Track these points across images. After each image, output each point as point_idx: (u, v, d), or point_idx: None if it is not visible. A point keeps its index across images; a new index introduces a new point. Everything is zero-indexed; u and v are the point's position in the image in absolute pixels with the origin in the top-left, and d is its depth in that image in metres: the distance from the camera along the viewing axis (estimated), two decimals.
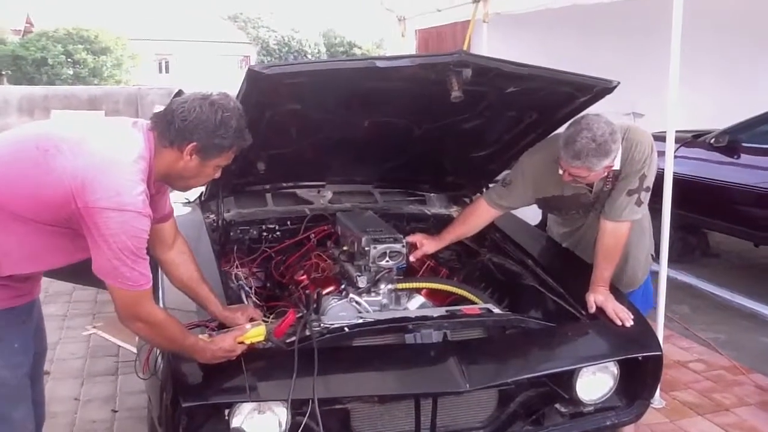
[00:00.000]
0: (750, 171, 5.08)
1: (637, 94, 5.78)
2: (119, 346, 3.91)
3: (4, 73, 24.22)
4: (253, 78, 2.14)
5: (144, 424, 2.84)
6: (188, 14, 35.18)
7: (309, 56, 37.76)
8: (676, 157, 5.54)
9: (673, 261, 5.69)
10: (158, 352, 2.20)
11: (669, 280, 5.36)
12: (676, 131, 5.77)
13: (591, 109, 2.71)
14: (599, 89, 2.58)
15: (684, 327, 4.52)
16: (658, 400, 3.47)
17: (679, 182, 5.42)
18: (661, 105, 6.44)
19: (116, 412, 3.26)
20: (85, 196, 1.70)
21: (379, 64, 2.20)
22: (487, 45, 5.09)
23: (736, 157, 5.17)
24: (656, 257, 3.37)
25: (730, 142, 5.21)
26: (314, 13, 35.15)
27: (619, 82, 2.55)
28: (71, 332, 4.13)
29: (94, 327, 4.19)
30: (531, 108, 2.77)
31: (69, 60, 24.24)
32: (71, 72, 24.21)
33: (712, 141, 5.31)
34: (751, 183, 5.02)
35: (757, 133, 5.14)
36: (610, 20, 5.79)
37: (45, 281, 2.16)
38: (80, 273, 2.12)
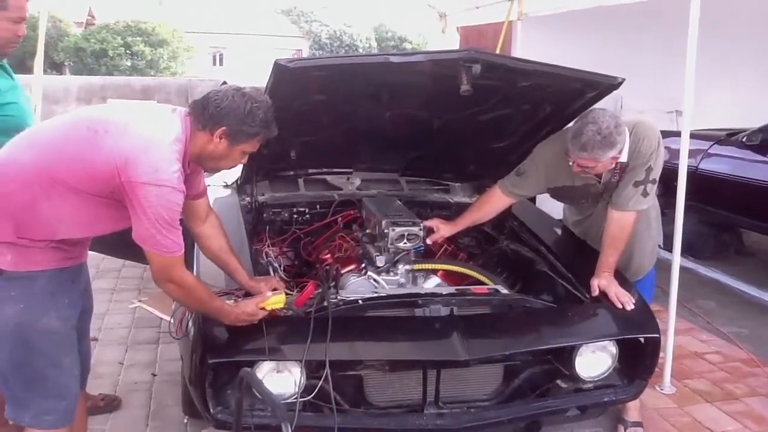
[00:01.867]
0: None
1: (679, 93, 5.85)
2: (161, 318, 4.21)
3: (66, 64, 25.15)
4: (279, 71, 2.37)
5: (179, 387, 3.12)
6: (242, 8, 35.78)
7: (360, 51, 38.03)
8: (709, 155, 5.65)
9: (705, 258, 5.79)
10: (189, 316, 2.47)
11: (698, 276, 5.50)
12: (711, 129, 5.86)
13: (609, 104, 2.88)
14: (606, 85, 2.73)
15: (707, 321, 4.58)
16: (668, 386, 3.59)
17: (713, 180, 5.53)
18: (701, 103, 6.48)
19: (155, 375, 3.56)
20: (128, 172, 1.95)
21: (393, 59, 2.41)
22: (520, 44, 5.22)
23: None
24: (663, 247, 3.49)
25: (763, 141, 5.22)
26: (366, 7, 35.30)
27: (623, 79, 2.70)
28: (118, 305, 4.45)
29: (140, 301, 4.51)
30: (543, 102, 2.94)
31: (128, 52, 24.99)
32: (129, 63, 24.97)
33: (745, 139, 5.32)
34: None
35: None
36: (649, 19, 5.85)
37: (97, 258, 2.42)
38: (127, 248, 2.39)
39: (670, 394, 3.56)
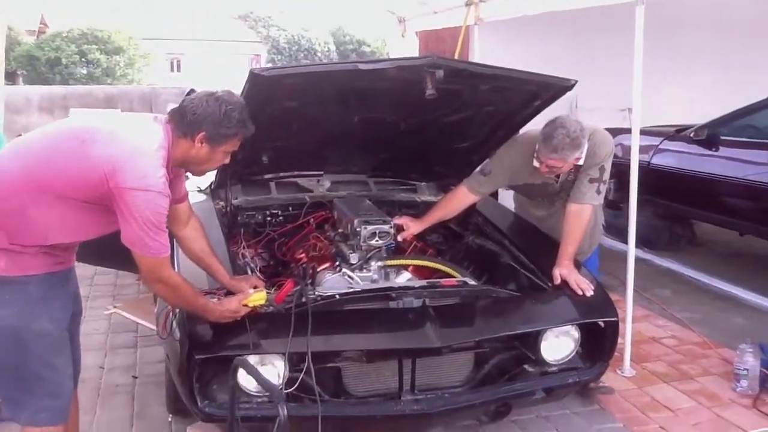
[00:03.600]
0: (727, 163, 5.34)
1: (630, 91, 6.08)
2: (138, 323, 4.28)
3: (19, 73, 24.72)
4: (254, 79, 2.50)
5: (161, 388, 3.21)
6: (199, 14, 35.54)
7: (319, 55, 38.05)
8: (660, 150, 5.90)
9: (660, 249, 6.05)
10: (173, 316, 2.57)
11: (654, 266, 5.75)
12: (661, 126, 6.12)
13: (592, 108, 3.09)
14: (559, 87, 2.94)
15: (663, 308, 4.81)
16: (628, 369, 3.79)
17: (664, 174, 5.78)
18: (655, 101, 6.73)
19: (136, 378, 3.63)
20: (116, 178, 2.05)
21: (362, 66, 2.56)
22: (478, 48, 5.40)
23: (714, 149, 5.41)
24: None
25: (709, 136, 5.47)
26: (324, 12, 35.33)
27: (576, 81, 2.91)
28: (93, 311, 4.48)
29: (114, 307, 4.56)
30: (502, 104, 3.13)
31: (83, 60, 24.69)
32: (85, 71, 24.67)
33: (692, 135, 5.57)
34: (729, 174, 5.28)
35: (734, 127, 5.38)
36: (600, 22, 6.09)
37: None
38: (106, 256, 2.50)
39: (630, 376, 3.76)
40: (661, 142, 5.92)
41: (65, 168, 2.10)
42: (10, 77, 23.85)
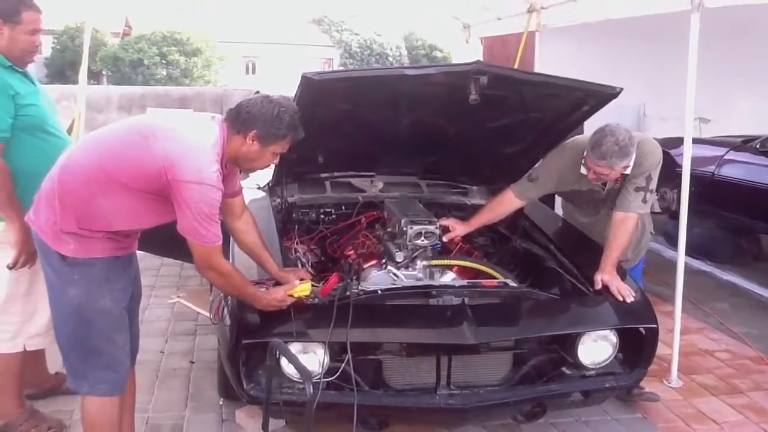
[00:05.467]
0: None
1: (705, 100, 5.97)
2: (198, 312, 4.52)
3: (104, 73, 25.90)
4: (306, 83, 2.65)
5: (215, 373, 3.40)
6: (275, 17, 36.36)
7: (390, 59, 38.37)
8: (726, 161, 5.78)
9: (722, 262, 5.92)
10: (225, 304, 2.74)
11: (715, 279, 5.64)
12: (728, 136, 6.00)
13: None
14: (605, 94, 2.97)
15: (719, 321, 4.73)
16: (675, 380, 3.76)
17: (729, 186, 5.66)
18: (728, 111, 6.58)
19: (193, 363, 3.85)
20: (174, 172, 2.23)
21: (408, 72, 2.68)
22: (540, 54, 5.43)
23: None
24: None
25: None
26: (396, 16, 35.58)
27: (621, 89, 2.93)
28: (158, 300, 4.76)
29: (178, 296, 4.82)
30: (549, 110, 3.18)
31: (163, 61, 25.66)
32: (164, 72, 25.63)
33: (758, 146, 5.45)
34: None
35: None
36: (669, 29, 6.01)
37: (138, 257, 2.71)
38: (171, 247, 2.69)
39: (677, 387, 3.73)
40: (726, 153, 5.80)
41: (130, 161, 2.30)
42: (95, 77, 25.07)
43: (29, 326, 2.95)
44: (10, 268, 2.78)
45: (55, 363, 3.34)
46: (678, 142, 3.67)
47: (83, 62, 6.33)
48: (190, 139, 2.31)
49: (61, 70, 24.05)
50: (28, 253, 2.64)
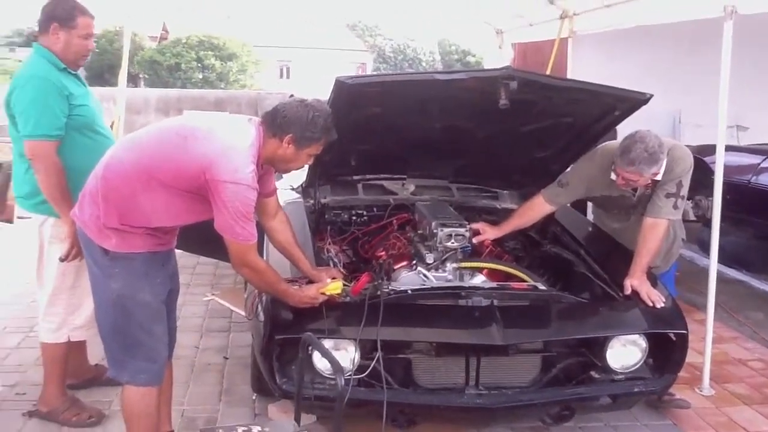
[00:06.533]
0: None
1: (743, 108, 5.90)
2: (232, 310, 4.62)
3: (141, 76, 26.42)
4: (339, 87, 2.72)
5: (248, 369, 3.48)
6: (309, 22, 36.72)
7: (423, 64, 38.50)
8: (762, 169, 5.71)
9: (758, 271, 5.85)
10: (259, 300, 2.82)
11: (750, 288, 5.58)
12: (764, 144, 5.92)
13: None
14: (635, 100, 2.99)
15: (753, 331, 4.68)
16: (707, 388, 3.73)
17: (765, 194, 5.58)
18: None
19: (227, 359, 3.94)
20: (212, 171, 2.30)
21: (438, 77, 2.73)
22: (572, 61, 5.44)
23: None
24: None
25: None
26: (430, 22, 35.71)
27: (651, 95, 2.94)
28: (193, 297, 4.87)
29: (212, 294, 4.93)
30: (579, 115, 3.21)
31: (199, 65, 26.08)
32: (201, 76, 26.05)
33: None
34: None
35: None
36: (705, 35, 5.97)
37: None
38: (206, 246, 2.78)
39: (709, 395, 3.70)
40: (763, 161, 5.72)
41: (169, 160, 2.38)
42: (133, 80, 25.58)
43: (73, 318, 3.08)
44: (62, 260, 2.91)
45: (95, 354, 3.46)
46: (712, 149, 3.65)
47: (123, 66, 6.51)
48: (228, 140, 2.38)
49: (100, 73, 24.59)
50: (79, 246, 2.73)
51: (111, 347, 2.53)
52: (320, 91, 3.68)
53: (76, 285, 3.02)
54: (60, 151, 2.84)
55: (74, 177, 2.80)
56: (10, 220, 5.29)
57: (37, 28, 2.99)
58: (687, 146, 3.40)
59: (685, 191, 3.21)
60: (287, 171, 2.72)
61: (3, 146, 7.29)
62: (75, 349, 3.26)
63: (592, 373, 2.88)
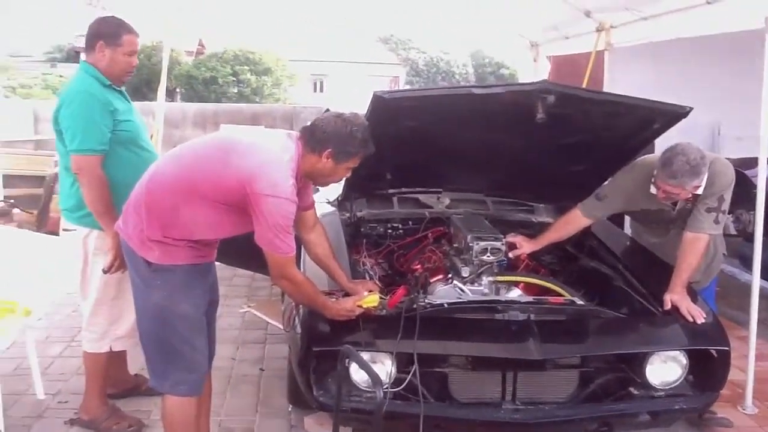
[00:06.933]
0: None
1: None
2: (268, 322, 4.67)
3: (178, 91, 26.83)
4: (376, 101, 2.75)
5: (284, 381, 3.50)
6: (342, 36, 36.96)
7: (457, 77, 38.47)
8: None
9: None
10: (296, 313, 2.84)
11: None
12: None
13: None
14: (675, 113, 2.96)
15: None
16: (750, 406, 3.65)
17: None
18: None
19: (263, 370, 3.98)
20: (253, 185, 2.34)
21: (475, 91, 2.74)
22: (609, 74, 5.39)
23: None
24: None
25: None
26: (464, 34, 35.71)
27: (691, 108, 2.91)
28: (230, 309, 4.92)
29: (249, 306, 5.00)
30: (617, 129, 3.18)
31: (234, 80, 26.41)
32: (236, 90, 26.36)
33: None
34: None
35: None
36: (745, 47, 5.87)
37: None
38: (244, 258, 2.81)
39: (752, 414, 3.62)
40: None
41: (211, 174, 2.43)
42: (170, 94, 25.97)
43: (115, 328, 3.15)
44: (105, 271, 2.98)
45: (135, 365, 3.52)
46: (754, 162, 3.59)
47: (162, 80, 6.65)
48: (268, 155, 2.43)
49: (138, 87, 25.08)
50: (122, 258, 2.80)
51: (152, 357, 2.58)
52: (354, 105, 3.71)
53: (119, 296, 3.09)
54: (105, 165, 2.92)
55: (118, 191, 2.87)
56: (54, 232, 5.43)
57: (76, 44, 3.09)
58: (727, 159, 3.35)
59: (726, 205, 3.16)
60: (326, 184, 2.75)
61: (45, 160, 7.53)
62: (115, 359, 3.33)
63: (631, 389, 2.84)
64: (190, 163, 2.51)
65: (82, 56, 3.17)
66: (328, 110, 2.95)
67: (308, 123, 2.60)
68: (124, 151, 2.99)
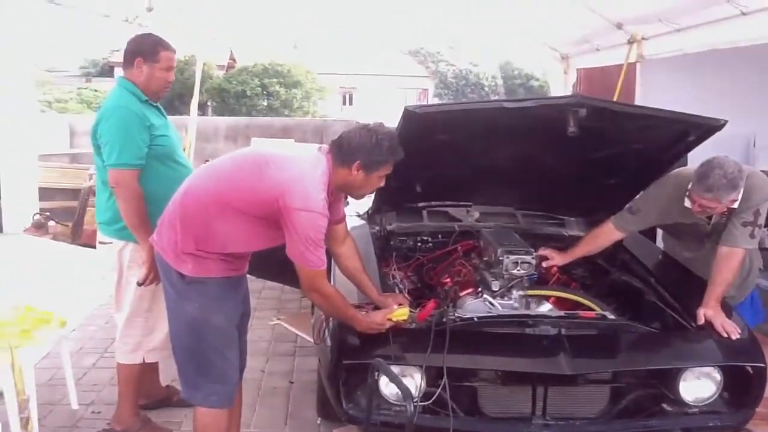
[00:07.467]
0: None
1: None
2: (297, 335, 4.69)
3: (209, 104, 27.19)
4: (407, 115, 2.76)
5: (313, 394, 3.52)
6: (371, 49, 37.15)
7: (486, 89, 38.41)
8: None
9: None
10: (326, 326, 2.86)
11: None
12: None
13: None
14: (709, 126, 2.92)
15: None
16: None
17: None
18: None
19: (292, 383, 4.00)
20: (285, 199, 2.37)
21: (507, 105, 2.74)
22: (641, 86, 5.35)
23: None
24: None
25: None
26: (493, 47, 35.68)
27: (726, 121, 2.87)
28: (259, 321, 4.96)
29: (278, 319, 5.03)
30: (650, 142, 3.15)
31: (264, 93, 26.68)
32: (265, 103, 26.63)
33: None
34: None
35: None
36: None
37: None
38: (274, 271, 2.83)
39: None
40: None
41: (245, 188, 2.47)
42: (201, 108, 26.30)
43: (148, 340, 3.19)
44: (139, 284, 3.03)
45: (166, 376, 3.56)
46: None
47: (195, 95, 6.76)
48: (301, 169, 2.45)
49: (170, 101, 25.44)
50: (156, 271, 2.84)
51: (185, 369, 2.61)
52: (382, 118, 3.73)
53: (152, 308, 3.14)
54: (141, 179, 2.97)
55: (153, 204, 2.91)
56: (89, 245, 5.52)
57: (111, 59, 3.16)
58: (762, 171, 3.30)
59: (762, 220, 3.11)
60: (361, 197, 2.77)
61: (80, 173, 7.68)
62: (148, 370, 3.38)
63: (664, 405, 2.81)
64: (224, 177, 2.55)
65: (118, 71, 3.24)
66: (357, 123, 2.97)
67: (336, 137, 2.63)
68: (160, 166, 3.05)
